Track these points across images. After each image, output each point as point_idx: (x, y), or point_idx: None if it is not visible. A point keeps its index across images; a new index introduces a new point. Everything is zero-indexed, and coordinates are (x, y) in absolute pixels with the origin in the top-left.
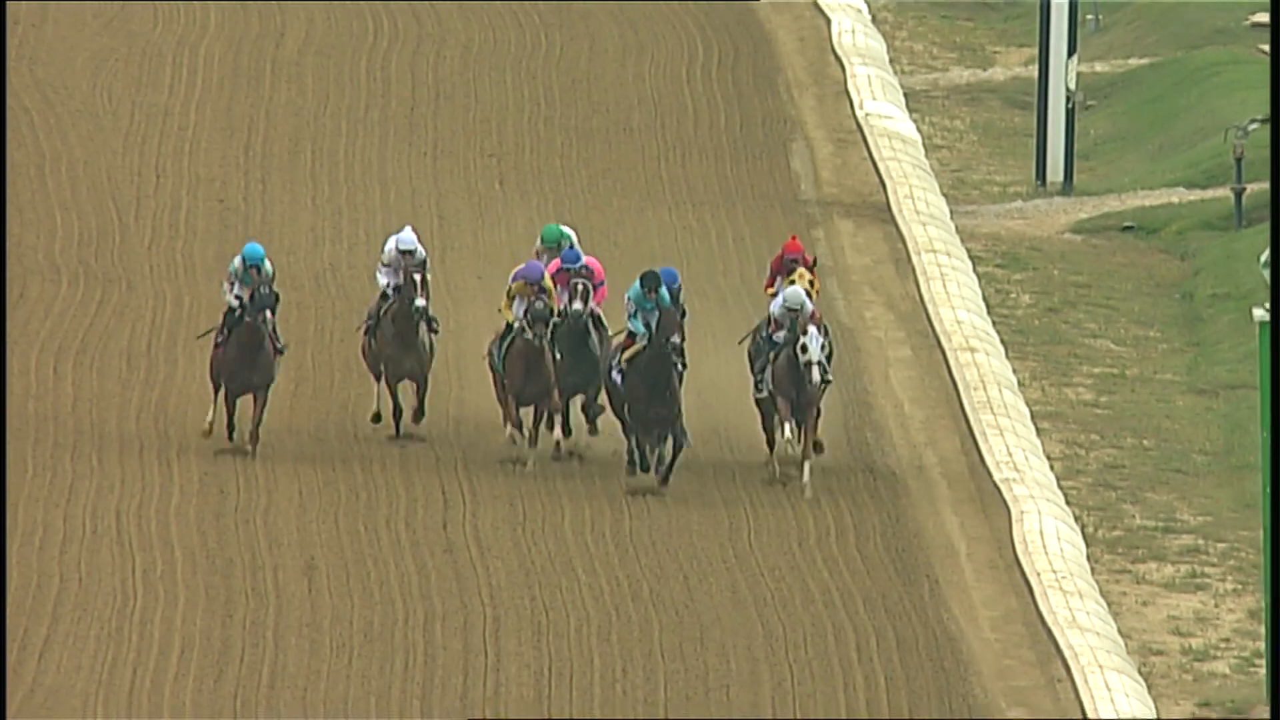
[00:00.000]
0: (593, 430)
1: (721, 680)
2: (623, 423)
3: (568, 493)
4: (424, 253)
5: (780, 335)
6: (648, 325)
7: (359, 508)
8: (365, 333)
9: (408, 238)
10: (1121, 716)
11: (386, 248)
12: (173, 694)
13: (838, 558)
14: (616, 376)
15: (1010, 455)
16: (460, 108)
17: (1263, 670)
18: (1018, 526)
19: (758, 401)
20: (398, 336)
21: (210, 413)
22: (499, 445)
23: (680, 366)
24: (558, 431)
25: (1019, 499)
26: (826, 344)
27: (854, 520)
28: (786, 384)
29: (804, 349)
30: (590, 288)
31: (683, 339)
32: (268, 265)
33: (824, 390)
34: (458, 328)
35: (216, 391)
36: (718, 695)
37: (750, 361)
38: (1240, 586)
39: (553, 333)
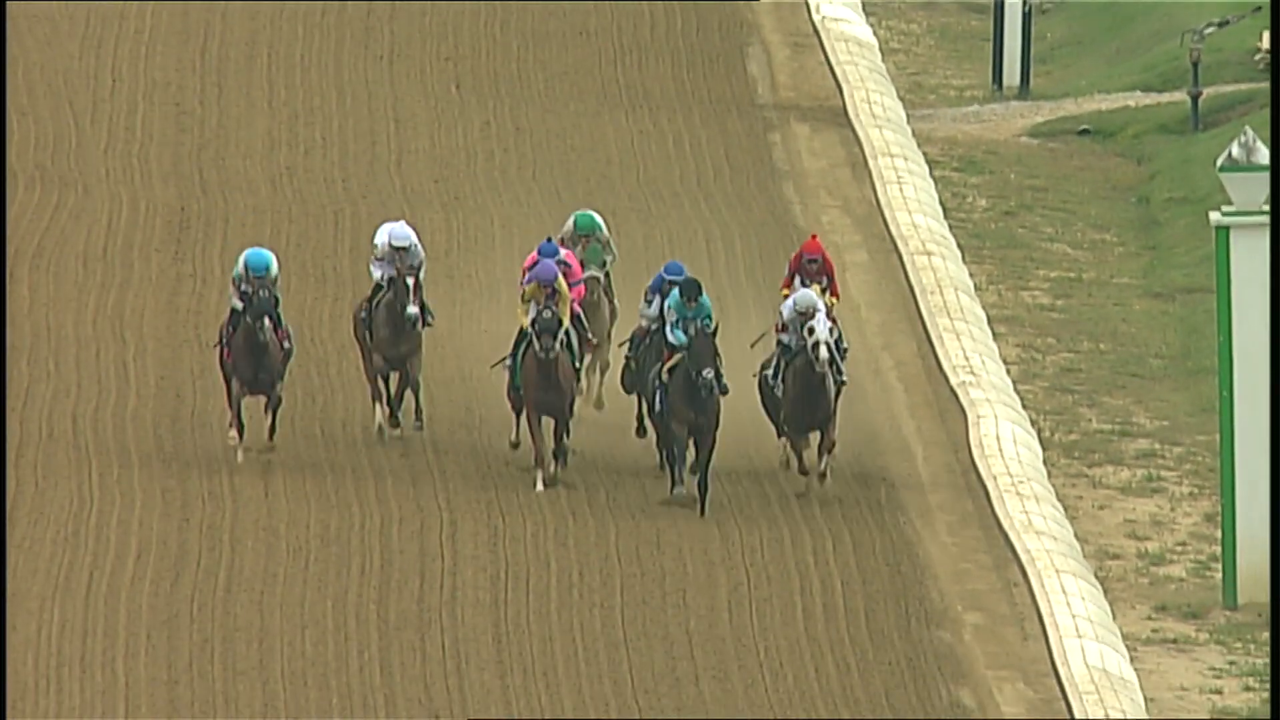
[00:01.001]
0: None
1: (678, 584)
2: (658, 434)
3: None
4: (421, 252)
5: (786, 337)
6: (688, 334)
7: (315, 412)
8: (357, 325)
9: (402, 233)
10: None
11: (378, 240)
12: (129, 597)
13: (791, 504)
14: (659, 392)
15: (967, 359)
16: (416, 11)
17: (1218, 574)
18: (974, 430)
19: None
20: (390, 326)
21: (229, 417)
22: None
23: (717, 392)
24: (566, 442)
25: (975, 403)
26: (836, 330)
27: None
28: (800, 404)
29: (811, 330)
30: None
31: (719, 362)
32: (274, 269)
33: (839, 394)
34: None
35: (229, 394)
36: (674, 599)
37: (761, 393)
38: (1197, 490)
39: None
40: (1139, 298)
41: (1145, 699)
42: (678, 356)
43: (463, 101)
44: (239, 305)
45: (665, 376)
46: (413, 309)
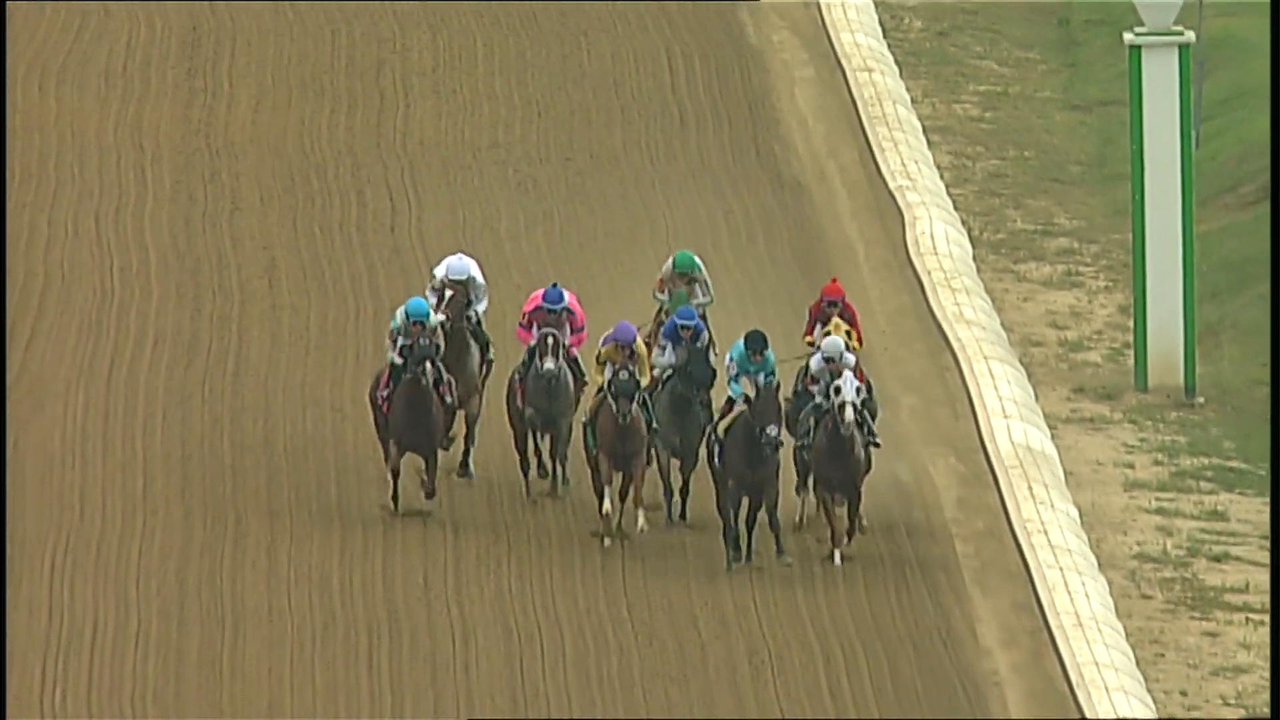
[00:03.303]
0: (564, 480)
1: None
2: (718, 497)
3: (500, 185)
4: (482, 280)
5: (816, 389)
6: (755, 389)
7: (315, 212)
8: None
9: (459, 266)
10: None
11: (437, 272)
12: (147, 381)
13: (747, 258)
14: (716, 449)
15: (904, 165)
16: None
17: (1131, 359)
18: (910, 230)
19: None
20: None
21: (388, 471)
22: None
23: (777, 460)
24: (641, 520)
25: (911, 205)
26: (863, 390)
27: (762, 223)
28: (826, 464)
29: (838, 390)
30: (560, 343)
31: (779, 427)
32: (433, 320)
33: (869, 459)
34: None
35: (387, 453)
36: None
37: (788, 418)
38: (1111, 284)
39: (524, 380)
40: (1060, 110)
41: (1065, 472)
42: (737, 410)
43: None
44: (397, 360)
45: (722, 434)
46: (550, 365)
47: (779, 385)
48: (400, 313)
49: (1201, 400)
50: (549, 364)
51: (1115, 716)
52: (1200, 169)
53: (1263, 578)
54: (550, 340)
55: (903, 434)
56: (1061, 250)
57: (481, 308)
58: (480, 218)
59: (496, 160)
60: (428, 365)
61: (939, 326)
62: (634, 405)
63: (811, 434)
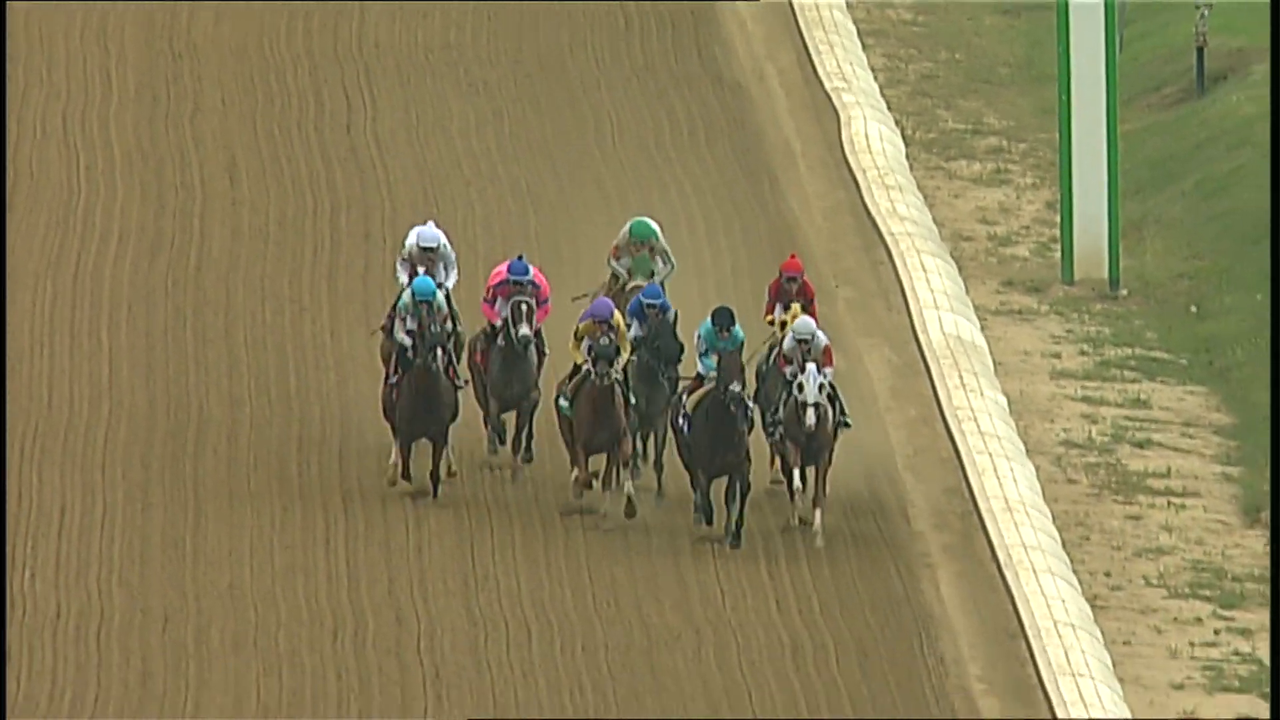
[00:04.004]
0: (526, 451)
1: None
2: (689, 471)
3: (453, 94)
4: (451, 254)
5: (790, 371)
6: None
7: (274, 113)
8: (385, 333)
9: (430, 234)
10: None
11: (408, 241)
12: (112, 275)
13: (689, 157)
14: (682, 423)
15: (839, 67)
16: None
17: (1058, 253)
18: (846, 129)
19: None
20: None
21: (393, 453)
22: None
23: (746, 415)
24: (629, 488)
25: (847, 105)
26: (827, 384)
27: (704, 123)
28: (796, 427)
29: (800, 387)
30: (533, 307)
31: (743, 385)
32: (440, 299)
33: (837, 432)
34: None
35: (395, 434)
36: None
37: (755, 393)
38: (1039, 181)
39: (489, 346)
40: (990, 14)
41: (994, 362)
42: (706, 387)
43: None
44: (406, 342)
45: (690, 410)
46: (525, 330)
47: (742, 345)
48: (406, 294)
49: (1125, 293)
50: (524, 329)
51: (1088, 717)
52: (1124, 71)
53: (1183, 463)
54: (525, 307)
55: (839, 324)
56: (991, 149)
57: (450, 281)
58: (432, 118)
59: (448, 62)
60: (438, 351)
61: (873, 222)
62: (613, 369)
63: (780, 409)
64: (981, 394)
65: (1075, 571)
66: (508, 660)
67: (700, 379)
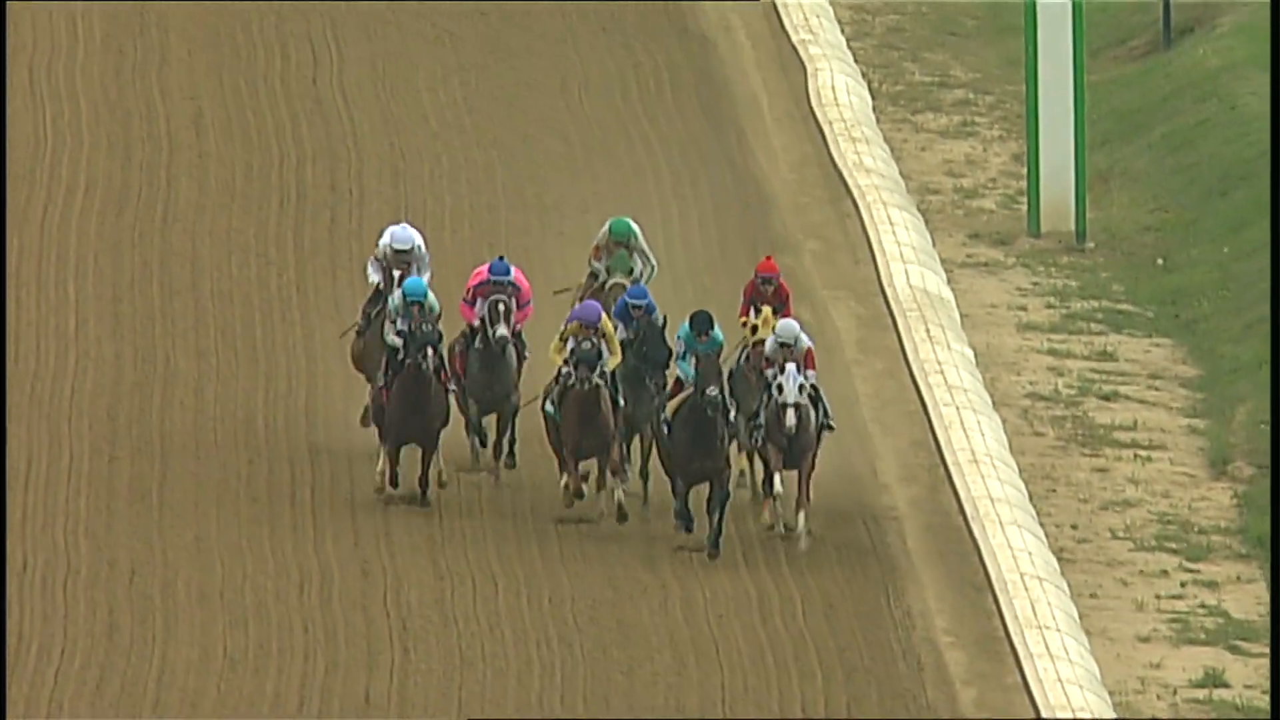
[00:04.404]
0: (509, 456)
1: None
2: (669, 477)
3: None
4: (426, 255)
5: (772, 373)
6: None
7: (240, 65)
8: (357, 334)
9: (404, 235)
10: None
11: (381, 241)
12: (79, 227)
13: (655, 109)
14: (664, 429)
15: (806, 19)
16: None
17: (1024, 206)
18: (812, 82)
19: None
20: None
21: (380, 461)
22: None
23: (727, 420)
24: (619, 494)
25: (813, 58)
26: (808, 385)
27: (670, 76)
28: (778, 430)
29: (780, 388)
30: (512, 308)
31: (722, 389)
32: (431, 299)
33: (821, 435)
34: None
35: (383, 439)
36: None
37: (731, 392)
38: (1005, 134)
39: (467, 348)
40: None
41: (960, 315)
42: (686, 393)
43: None
44: (396, 343)
45: (670, 415)
46: (503, 331)
47: (721, 348)
48: (397, 294)
49: (1092, 245)
50: (501, 330)
51: (1073, 717)
52: (1091, 23)
53: (1149, 415)
54: (502, 307)
55: (805, 277)
56: (957, 101)
57: (424, 280)
58: (399, 70)
59: (414, 13)
60: (429, 351)
61: (840, 175)
62: (594, 374)
63: (761, 412)
64: (948, 347)
65: (1042, 524)
66: (474, 613)
67: (680, 384)
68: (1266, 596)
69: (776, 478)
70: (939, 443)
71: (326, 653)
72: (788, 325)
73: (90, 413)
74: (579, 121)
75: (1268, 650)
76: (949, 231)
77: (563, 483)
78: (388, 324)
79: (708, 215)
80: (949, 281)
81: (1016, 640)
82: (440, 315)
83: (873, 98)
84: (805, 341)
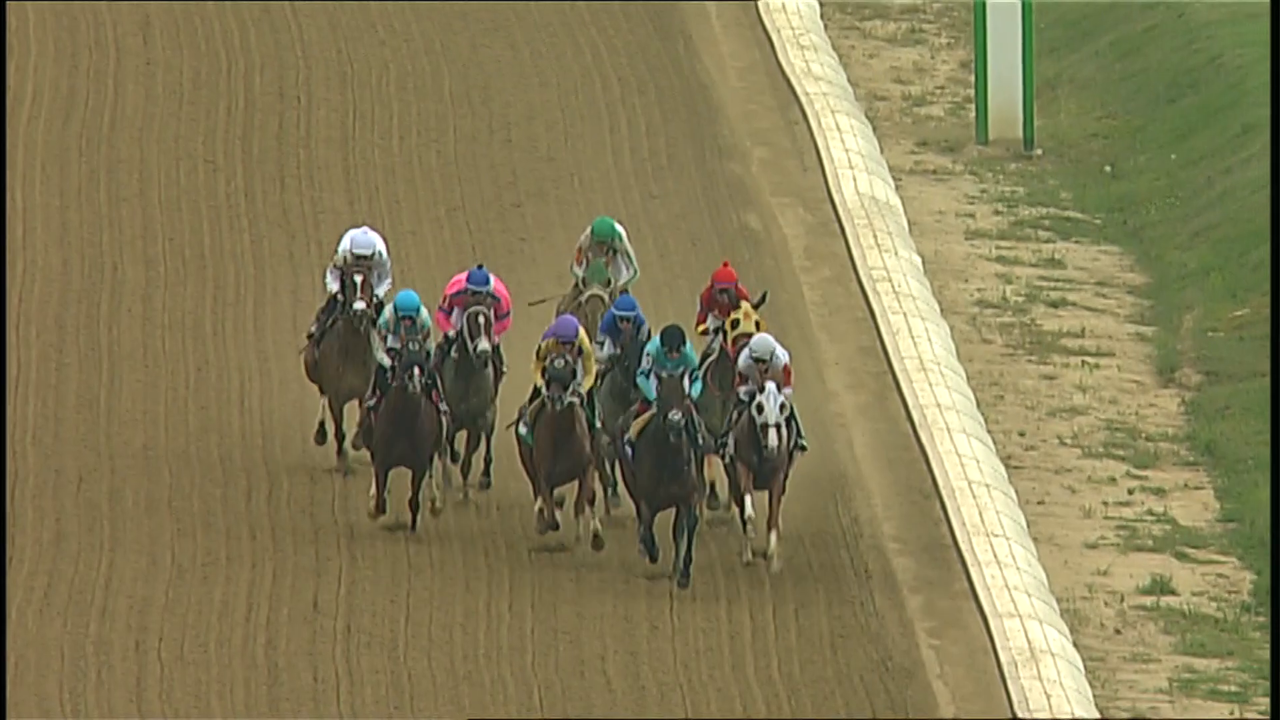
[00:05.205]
0: (484, 475)
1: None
2: (635, 503)
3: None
4: (387, 260)
5: (745, 390)
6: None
7: (193, 24)
8: (310, 341)
9: (365, 240)
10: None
11: (340, 246)
12: (26, 135)
13: (603, 16)
14: (627, 450)
15: None
16: None
17: (972, 113)
18: None
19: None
20: (343, 351)
21: (372, 487)
22: None
23: (694, 443)
24: (595, 523)
25: None
26: (788, 405)
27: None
28: (748, 448)
29: (760, 409)
30: (492, 320)
31: (684, 411)
32: (424, 315)
33: (793, 456)
34: None
35: (373, 461)
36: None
37: (696, 409)
38: (953, 41)
39: (443, 360)
40: None
41: (908, 222)
42: (649, 415)
43: None
44: (386, 362)
45: (634, 436)
46: (485, 344)
47: (685, 373)
48: (389, 309)
49: (1039, 152)
50: (483, 344)
51: (1053, 717)
52: None
53: (1097, 322)
54: (482, 319)
55: (753, 184)
56: (906, 8)
57: (383, 289)
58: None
59: None
60: (416, 371)
61: (788, 82)
62: (568, 393)
63: (729, 430)
64: (896, 254)
65: (990, 431)
66: (423, 519)
67: (645, 404)
68: (1214, 503)
69: (748, 500)
70: (886, 350)
71: (274, 560)
72: (763, 341)
73: (38, 320)
74: (526, 28)
75: (1214, 557)
76: (897, 139)
77: (536, 508)
78: (377, 340)
79: (656, 122)
80: (897, 189)
81: (964, 547)
82: (429, 334)
83: (820, 4)
84: (782, 357)
